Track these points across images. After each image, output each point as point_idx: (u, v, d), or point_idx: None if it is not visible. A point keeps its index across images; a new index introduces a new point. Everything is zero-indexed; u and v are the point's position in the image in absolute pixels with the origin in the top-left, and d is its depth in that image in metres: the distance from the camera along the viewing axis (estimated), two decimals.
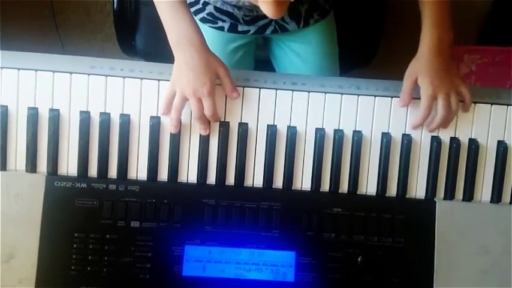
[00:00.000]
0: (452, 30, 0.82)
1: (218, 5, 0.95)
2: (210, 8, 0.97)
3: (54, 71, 0.81)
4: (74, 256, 0.80)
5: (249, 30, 1.00)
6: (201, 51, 0.80)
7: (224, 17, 0.98)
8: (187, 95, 0.79)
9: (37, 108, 0.81)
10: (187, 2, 0.94)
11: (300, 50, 1.06)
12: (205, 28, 0.99)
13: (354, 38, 1.20)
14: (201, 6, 0.97)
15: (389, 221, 0.83)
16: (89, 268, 0.80)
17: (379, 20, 1.25)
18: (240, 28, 1.00)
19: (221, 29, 0.99)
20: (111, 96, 0.82)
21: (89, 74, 0.81)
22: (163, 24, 0.81)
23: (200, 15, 0.98)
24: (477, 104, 0.85)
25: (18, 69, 0.81)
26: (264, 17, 0.88)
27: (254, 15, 0.96)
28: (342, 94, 0.83)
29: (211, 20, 0.98)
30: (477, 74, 1.48)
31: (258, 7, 0.62)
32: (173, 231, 0.81)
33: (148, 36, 1.22)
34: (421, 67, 0.82)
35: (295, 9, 0.98)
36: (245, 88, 0.83)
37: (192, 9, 0.97)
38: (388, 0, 1.25)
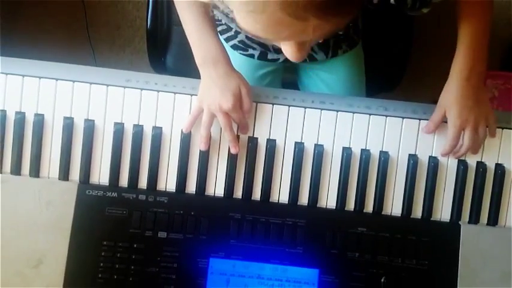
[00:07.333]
0: (486, 61, 0.80)
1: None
2: (241, 36, 0.98)
3: (91, 83, 0.83)
4: (101, 264, 0.81)
5: (278, 59, 1.01)
6: (226, 69, 0.81)
7: (255, 45, 0.99)
8: (215, 111, 0.81)
9: (73, 118, 0.83)
10: (220, 29, 0.96)
11: (327, 79, 1.07)
12: (235, 54, 1.00)
13: (380, 64, 1.21)
14: (233, 33, 0.98)
15: (413, 243, 0.83)
16: (115, 276, 0.81)
17: (406, 46, 1.25)
18: (270, 56, 1.01)
19: (251, 56, 1.01)
20: (144, 109, 0.84)
21: (124, 87, 0.84)
22: (190, 43, 0.83)
23: (231, 42, 1.00)
24: (504, 130, 0.85)
25: (56, 79, 0.83)
26: None
27: None
28: (369, 115, 0.85)
29: (242, 47, 1.00)
30: (499, 99, 1.48)
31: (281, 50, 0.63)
32: (199, 243, 0.82)
33: (178, 56, 1.24)
34: (449, 96, 0.81)
35: (324, 40, 0.99)
36: (274, 105, 0.85)
37: (224, 36, 0.99)
38: (415, 26, 1.26)
